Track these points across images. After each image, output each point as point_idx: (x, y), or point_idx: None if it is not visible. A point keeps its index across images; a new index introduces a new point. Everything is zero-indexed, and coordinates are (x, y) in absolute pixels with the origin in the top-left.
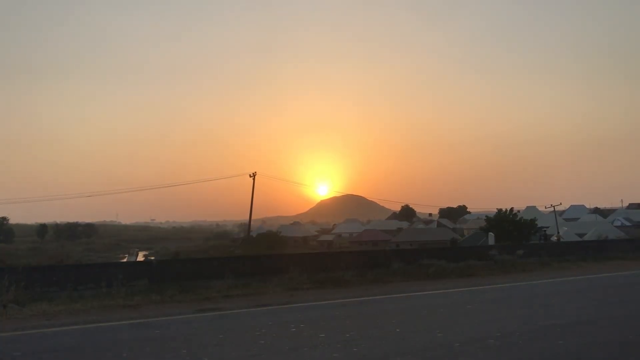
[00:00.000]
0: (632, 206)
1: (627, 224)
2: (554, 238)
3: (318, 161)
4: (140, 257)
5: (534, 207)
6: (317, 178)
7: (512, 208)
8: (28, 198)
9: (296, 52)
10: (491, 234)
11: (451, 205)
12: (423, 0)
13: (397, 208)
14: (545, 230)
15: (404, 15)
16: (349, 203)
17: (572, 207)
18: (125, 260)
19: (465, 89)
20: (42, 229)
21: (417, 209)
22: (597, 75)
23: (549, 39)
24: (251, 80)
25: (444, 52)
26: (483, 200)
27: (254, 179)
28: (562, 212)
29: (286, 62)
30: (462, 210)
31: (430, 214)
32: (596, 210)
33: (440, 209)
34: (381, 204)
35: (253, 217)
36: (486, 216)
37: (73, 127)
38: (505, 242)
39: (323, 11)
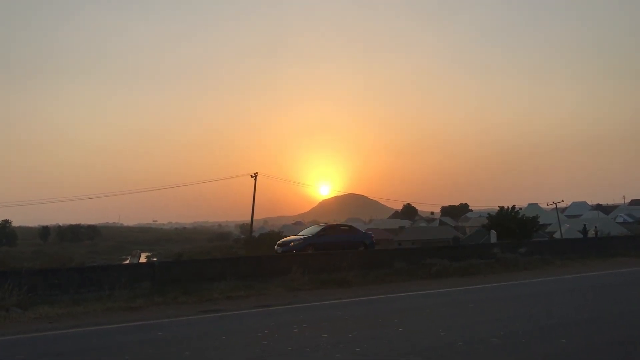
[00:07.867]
0: (634, 202)
1: (630, 220)
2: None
3: (320, 161)
4: (143, 259)
5: (536, 204)
6: (319, 178)
7: (514, 206)
8: (30, 200)
9: (298, 55)
10: (493, 232)
11: (453, 204)
12: (420, 3)
13: (399, 207)
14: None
15: (403, 17)
16: (351, 202)
17: (574, 204)
18: (127, 262)
19: (466, 89)
20: (45, 231)
21: (419, 208)
22: (598, 74)
23: (549, 39)
24: (253, 82)
25: (444, 52)
26: (485, 198)
27: (255, 180)
28: (564, 209)
29: (288, 64)
30: (464, 208)
31: (432, 213)
32: (598, 207)
33: (442, 207)
34: (383, 203)
35: (255, 218)
36: (488, 214)
37: (75, 128)
38: (507, 240)
39: (324, 15)
